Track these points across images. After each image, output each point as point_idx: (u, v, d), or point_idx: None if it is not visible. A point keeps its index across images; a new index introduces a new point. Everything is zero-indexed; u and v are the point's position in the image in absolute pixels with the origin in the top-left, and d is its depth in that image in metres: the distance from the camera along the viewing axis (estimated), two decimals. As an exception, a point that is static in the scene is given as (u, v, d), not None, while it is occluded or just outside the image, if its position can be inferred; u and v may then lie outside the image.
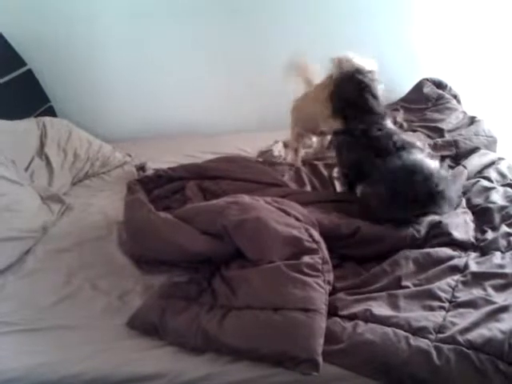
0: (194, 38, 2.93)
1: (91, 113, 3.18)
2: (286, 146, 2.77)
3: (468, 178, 2.18)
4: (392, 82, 3.05)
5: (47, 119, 2.69)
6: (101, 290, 1.79)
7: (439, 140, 2.49)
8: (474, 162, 2.27)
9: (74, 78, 3.06)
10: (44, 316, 1.68)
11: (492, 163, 2.28)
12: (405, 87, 3.02)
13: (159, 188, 2.28)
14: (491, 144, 2.48)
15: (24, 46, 2.86)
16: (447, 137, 2.54)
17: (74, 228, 2.19)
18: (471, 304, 1.52)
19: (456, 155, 2.39)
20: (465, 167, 2.23)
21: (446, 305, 1.54)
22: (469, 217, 1.94)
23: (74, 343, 1.56)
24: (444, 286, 1.60)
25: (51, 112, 3.08)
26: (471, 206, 2.02)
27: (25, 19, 2.81)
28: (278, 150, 2.76)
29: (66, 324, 1.64)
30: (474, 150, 2.38)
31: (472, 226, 1.89)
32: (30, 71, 2.94)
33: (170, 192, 2.26)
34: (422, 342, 1.40)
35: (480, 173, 2.22)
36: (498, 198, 2.00)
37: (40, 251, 2.04)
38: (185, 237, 1.80)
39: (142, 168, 2.63)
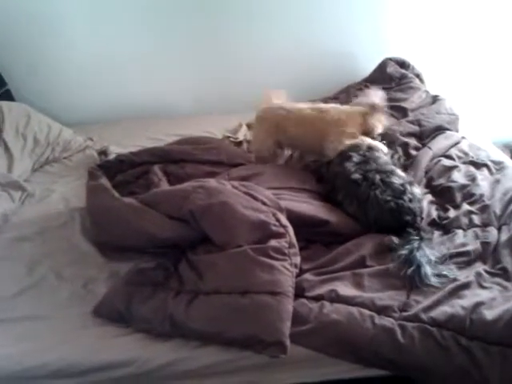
0: (159, 23, 2.87)
1: (51, 96, 3.08)
2: (249, 127, 2.75)
3: (432, 159, 2.22)
4: (357, 60, 3.07)
5: (4, 104, 2.60)
6: (65, 279, 1.76)
7: (403, 120, 2.52)
8: (439, 144, 2.30)
9: (33, 59, 2.95)
10: (6, 307, 1.65)
11: (456, 144, 2.32)
12: (369, 66, 3.02)
13: (122, 173, 2.24)
14: (454, 121, 2.52)
15: (-22, 29, 2.75)
16: (410, 116, 2.57)
17: (36, 215, 2.13)
18: (434, 282, 1.56)
19: (420, 133, 2.42)
20: (430, 148, 2.26)
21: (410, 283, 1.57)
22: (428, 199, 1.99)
23: (39, 334, 1.54)
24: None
25: (8, 96, 2.97)
26: (433, 186, 2.06)
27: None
28: (243, 133, 2.74)
29: (30, 314, 1.61)
30: (437, 128, 2.42)
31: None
32: (-16, 54, 2.83)
33: (134, 177, 2.22)
34: (387, 321, 1.43)
35: (444, 154, 2.26)
36: (459, 176, 2.04)
37: (1, 240, 1.99)
38: (151, 222, 1.77)
39: (103, 152, 2.58)
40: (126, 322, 1.54)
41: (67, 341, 1.50)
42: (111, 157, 2.46)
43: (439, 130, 2.42)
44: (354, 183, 1.88)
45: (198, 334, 1.45)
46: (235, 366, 1.43)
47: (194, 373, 1.44)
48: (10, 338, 1.53)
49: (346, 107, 2.27)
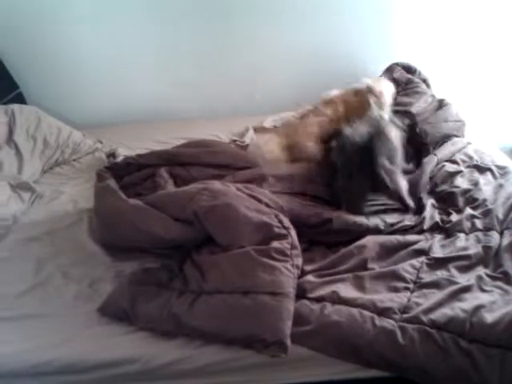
0: (167, 27, 2.91)
1: (62, 99, 3.12)
2: (256, 130, 2.78)
3: (437, 165, 2.23)
4: (363, 65, 3.09)
5: (16, 106, 2.64)
6: (72, 278, 1.78)
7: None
8: (445, 150, 2.31)
9: (44, 63, 3.00)
10: (14, 305, 1.67)
11: (462, 149, 2.33)
12: (376, 71, 3.04)
13: (129, 175, 2.28)
14: (460, 127, 2.52)
15: (-10, 32, 2.80)
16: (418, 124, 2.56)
17: (45, 216, 2.17)
18: (435, 285, 1.58)
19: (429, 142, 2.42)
20: (435, 155, 2.27)
21: (411, 285, 1.59)
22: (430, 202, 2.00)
23: (45, 331, 1.56)
24: (409, 267, 1.64)
25: (20, 98, 3.01)
26: (436, 192, 2.07)
27: (-10, 4, 2.75)
28: (250, 136, 2.76)
29: (37, 312, 1.64)
30: (444, 137, 2.42)
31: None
32: (-3, 57, 2.88)
33: (141, 179, 2.25)
34: (387, 323, 1.45)
35: (449, 158, 2.27)
36: (462, 181, 2.05)
37: (10, 240, 2.02)
38: (157, 224, 1.79)
39: (112, 155, 2.61)
40: (131, 320, 1.56)
41: (73, 338, 1.52)
42: (119, 159, 2.49)
43: (447, 137, 2.42)
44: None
45: (201, 332, 1.47)
46: (237, 365, 1.45)
47: (197, 371, 1.46)
48: (17, 335, 1.56)
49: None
